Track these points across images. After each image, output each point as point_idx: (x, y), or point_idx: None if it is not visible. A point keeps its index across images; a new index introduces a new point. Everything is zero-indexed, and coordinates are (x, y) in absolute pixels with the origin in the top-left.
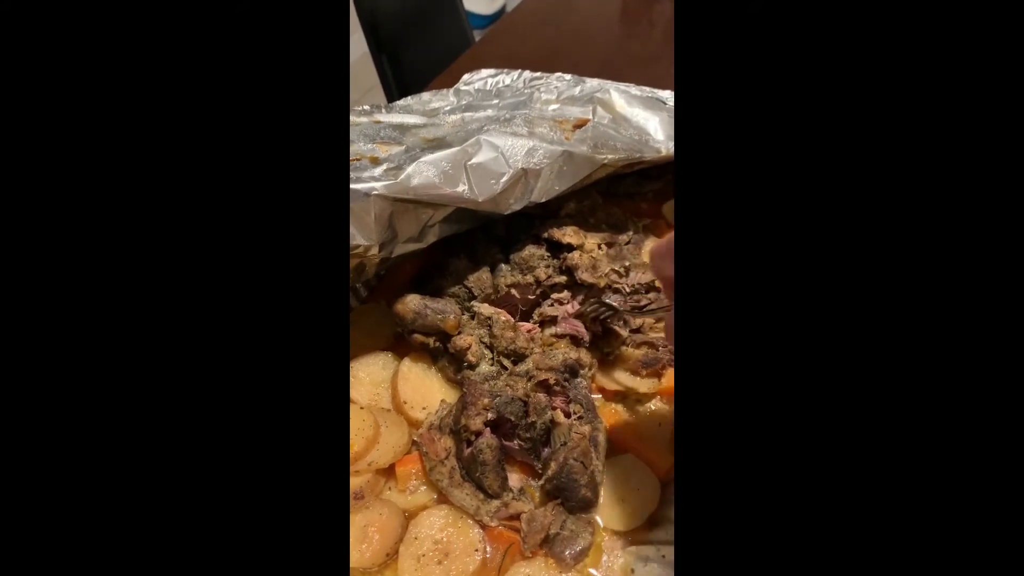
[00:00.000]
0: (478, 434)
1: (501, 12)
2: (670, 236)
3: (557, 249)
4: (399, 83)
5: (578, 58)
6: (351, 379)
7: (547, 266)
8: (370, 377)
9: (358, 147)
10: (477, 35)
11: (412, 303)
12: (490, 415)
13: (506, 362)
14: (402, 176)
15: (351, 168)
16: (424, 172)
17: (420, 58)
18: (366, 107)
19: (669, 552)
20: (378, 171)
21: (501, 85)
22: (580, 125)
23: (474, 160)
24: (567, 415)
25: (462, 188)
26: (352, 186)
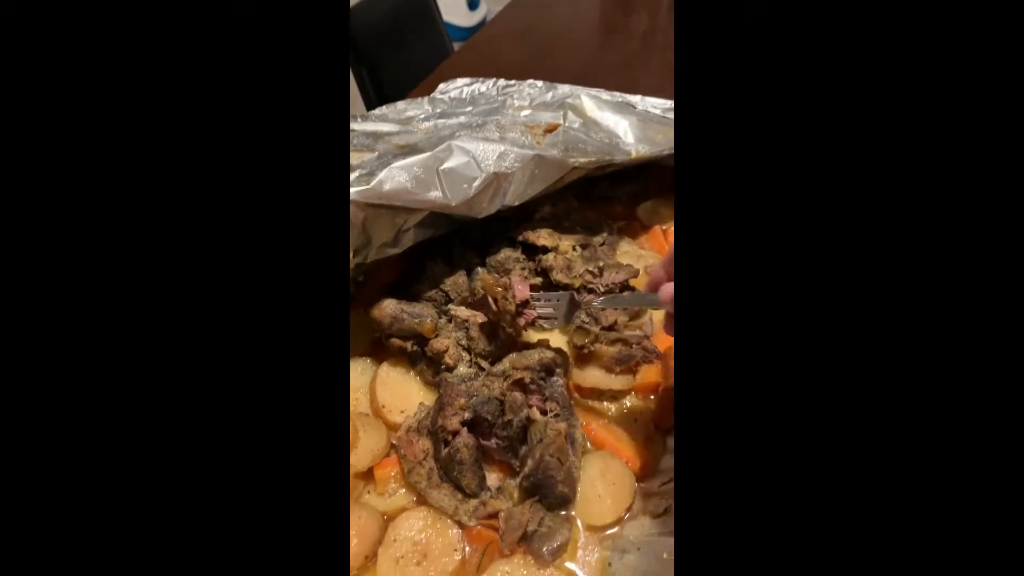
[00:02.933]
0: (455, 434)
1: (482, 24)
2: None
3: (532, 251)
4: (378, 95)
5: (554, 67)
6: None
7: (523, 268)
8: (349, 383)
9: None
10: (457, 47)
11: (389, 308)
12: (467, 415)
13: (483, 363)
14: (374, 182)
15: None
16: (396, 177)
17: (399, 70)
18: None
19: (645, 544)
20: (351, 177)
21: (476, 93)
22: (551, 130)
23: (446, 165)
24: (543, 412)
25: (435, 193)
26: None
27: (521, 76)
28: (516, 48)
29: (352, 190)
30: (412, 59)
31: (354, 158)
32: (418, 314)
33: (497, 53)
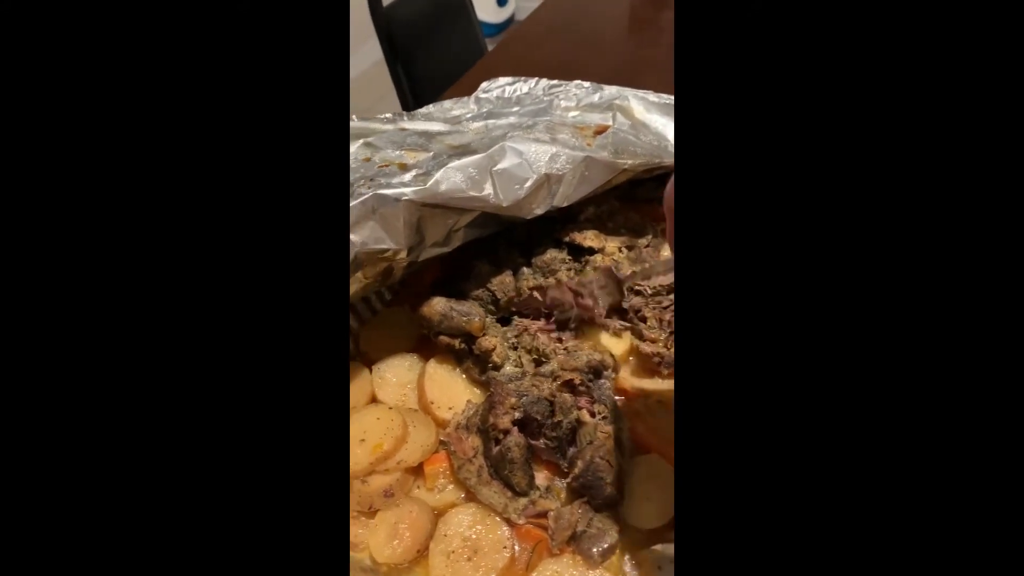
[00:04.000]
0: (506, 432)
1: (510, 20)
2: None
3: (578, 252)
4: (413, 90)
5: (591, 66)
6: (379, 380)
7: (568, 269)
8: (397, 378)
9: (386, 154)
10: (487, 43)
11: (438, 306)
12: (517, 414)
13: (528, 364)
14: (431, 182)
15: (381, 175)
16: (452, 178)
17: (434, 65)
18: (388, 115)
19: None
20: (407, 177)
21: (520, 93)
22: (601, 131)
23: (499, 166)
24: (592, 415)
25: (488, 193)
26: (382, 192)
27: (558, 74)
28: (549, 48)
29: (409, 190)
30: (447, 55)
31: (409, 157)
32: (467, 312)
33: (531, 53)
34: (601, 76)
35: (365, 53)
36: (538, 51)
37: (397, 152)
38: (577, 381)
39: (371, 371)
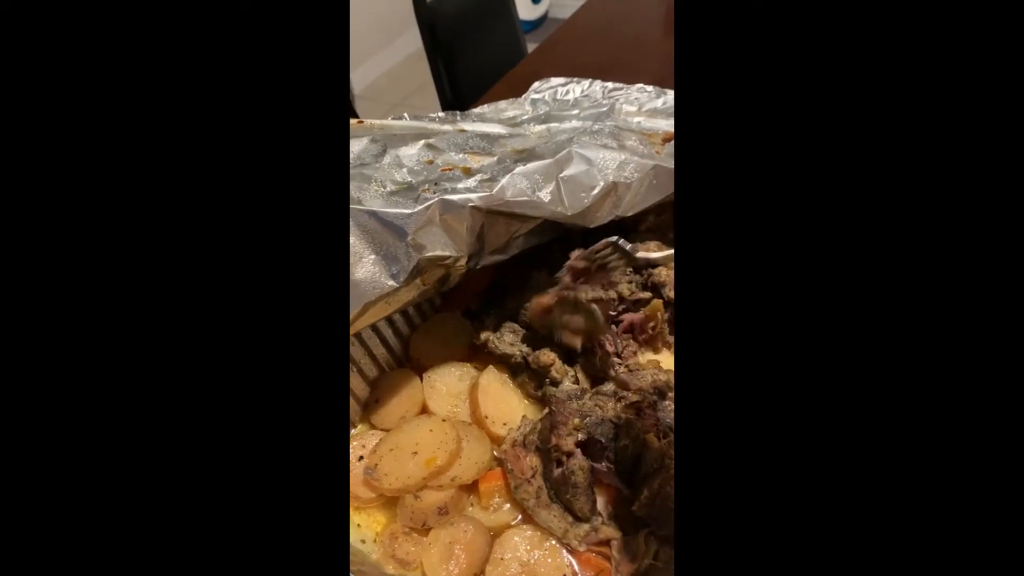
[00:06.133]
0: (569, 455)
1: (544, 18)
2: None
3: (639, 264)
4: (453, 84)
5: (636, 68)
6: (429, 389)
7: (630, 282)
8: (447, 388)
9: (449, 157)
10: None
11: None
12: (581, 435)
13: (585, 380)
14: (496, 188)
15: (444, 178)
16: (517, 184)
17: (474, 61)
18: (442, 114)
19: None
20: (472, 182)
21: (575, 95)
22: (669, 139)
23: (566, 173)
24: (658, 438)
25: (553, 200)
26: (448, 197)
27: (604, 76)
28: (593, 49)
29: (474, 196)
30: (487, 51)
31: (473, 161)
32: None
33: (575, 54)
34: (649, 77)
35: (401, 44)
36: (582, 52)
37: (460, 155)
38: (644, 403)
39: (422, 379)
